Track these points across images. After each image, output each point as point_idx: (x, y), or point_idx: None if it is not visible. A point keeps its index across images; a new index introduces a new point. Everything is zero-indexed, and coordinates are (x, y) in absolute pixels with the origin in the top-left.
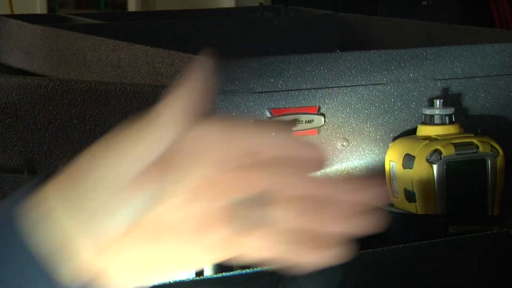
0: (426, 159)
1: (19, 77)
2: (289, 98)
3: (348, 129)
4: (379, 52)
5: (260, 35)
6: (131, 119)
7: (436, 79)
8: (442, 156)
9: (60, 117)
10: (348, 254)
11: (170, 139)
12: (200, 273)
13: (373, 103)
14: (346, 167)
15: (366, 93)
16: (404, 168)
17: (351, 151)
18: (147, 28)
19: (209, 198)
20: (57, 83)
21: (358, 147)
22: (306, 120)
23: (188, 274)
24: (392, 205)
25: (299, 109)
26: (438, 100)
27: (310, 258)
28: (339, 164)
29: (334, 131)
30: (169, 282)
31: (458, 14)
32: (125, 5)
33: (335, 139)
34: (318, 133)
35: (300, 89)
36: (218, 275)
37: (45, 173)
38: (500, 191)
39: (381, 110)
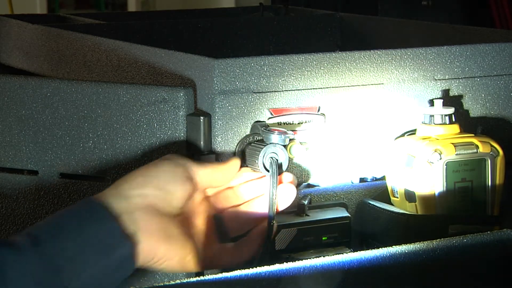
0: (426, 159)
1: (20, 77)
2: (289, 98)
3: (348, 129)
4: (379, 52)
5: (260, 35)
6: None
7: (436, 79)
8: (442, 156)
9: (60, 117)
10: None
11: None
12: (200, 274)
13: (373, 103)
14: (346, 168)
15: (366, 93)
16: (404, 168)
17: (351, 151)
18: (147, 28)
19: None
20: (57, 83)
21: (358, 147)
22: (306, 120)
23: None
24: (392, 205)
25: (299, 109)
26: (438, 100)
27: None
28: (339, 164)
29: (334, 131)
30: (170, 283)
31: (458, 14)
32: (125, 5)
33: (335, 139)
34: (318, 133)
35: (300, 89)
36: (218, 276)
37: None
38: (500, 191)
39: (381, 110)
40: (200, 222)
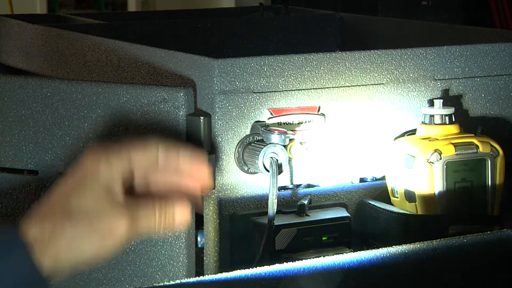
0: (426, 159)
1: (20, 77)
2: (289, 98)
3: (348, 129)
4: (379, 52)
5: (260, 35)
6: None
7: (436, 79)
8: (442, 156)
9: (60, 117)
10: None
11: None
12: (200, 273)
13: (373, 103)
14: (346, 168)
15: (366, 93)
16: (404, 168)
17: (351, 151)
18: (147, 28)
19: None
20: (57, 83)
21: (358, 147)
22: (306, 120)
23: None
24: (392, 205)
25: (299, 109)
26: (438, 100)
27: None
28: (339, 164)
29: (334, 131)
30: (170, 282)
31: (458, 14)
32: (125, 5)
33: (335, 139)
34: (318, 133)
35: (300, 89)
36: (218, 276)
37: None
38: (500, 191)
39: (381, 110)
40: None
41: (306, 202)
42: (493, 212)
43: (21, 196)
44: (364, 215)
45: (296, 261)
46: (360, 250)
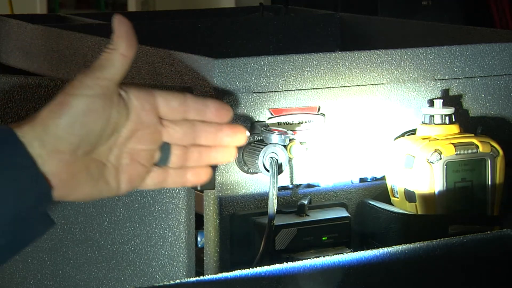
0: (426, 159)
1: (20, 77)
2: (289, 98)
3: (348, 129)
4: (379, 52)
5: (260, 35)
6: None
7: (436, 79)
8: (442, 156)
9: None
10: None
11: None
12: (200, 273)
13: (373, 103)
14: (346, 168)
15: (366, 93)
16: (404, 168)
17: (351, 151)
18: (147, 28)
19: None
20: (58, 83)
21: (358, 147)
22: (306, 120)
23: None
24: (392, 205)
25: (299, 109)
26: (438, 100)
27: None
28: (339, 164)
29: (334, 131)
30: (170, 282)
31: (458, 14)
32: (125, 5)
33: (335, 139)
34: (318, 133)
35: (300, 89)
36: (218, 276)
37: None
38: (500, 191)
39: (381, 110)
40: (136, 146)
41: (306, 202)
42: (493, 212)
43: None
44: (364, 215)
45: (296, 261)
46: (360, 250)
